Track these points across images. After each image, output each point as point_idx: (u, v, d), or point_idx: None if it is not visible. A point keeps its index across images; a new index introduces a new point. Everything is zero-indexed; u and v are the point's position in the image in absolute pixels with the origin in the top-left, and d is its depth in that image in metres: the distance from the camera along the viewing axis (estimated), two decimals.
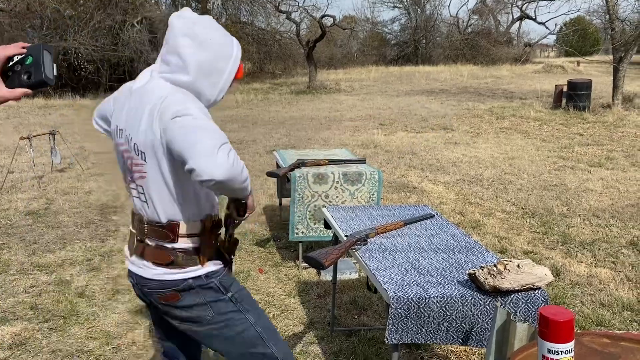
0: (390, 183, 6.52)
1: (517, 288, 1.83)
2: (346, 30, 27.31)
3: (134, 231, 1.75)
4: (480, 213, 5.37)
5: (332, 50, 30.37)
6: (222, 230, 1.76)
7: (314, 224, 3.85)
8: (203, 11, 26.11)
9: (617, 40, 13.11)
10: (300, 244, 4.03)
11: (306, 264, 4.06)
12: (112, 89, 20.51)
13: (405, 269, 2.05)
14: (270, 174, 4.14)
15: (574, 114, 12.08)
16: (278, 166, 4.51)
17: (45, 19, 19.79)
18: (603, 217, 5.22)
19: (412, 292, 1.84)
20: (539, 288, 1.89)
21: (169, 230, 1.63)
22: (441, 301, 1.82)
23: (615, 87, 12.99)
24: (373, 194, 3.87)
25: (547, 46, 50.99)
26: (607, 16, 13.78)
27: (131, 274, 1.75)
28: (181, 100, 1.54)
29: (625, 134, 9.79)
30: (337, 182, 3.79)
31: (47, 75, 1.18)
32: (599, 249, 4.43)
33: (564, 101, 13.06)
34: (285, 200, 4.89)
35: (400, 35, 37.18)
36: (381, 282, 1.91)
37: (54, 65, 1.21)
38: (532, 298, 1.87)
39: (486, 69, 27.80)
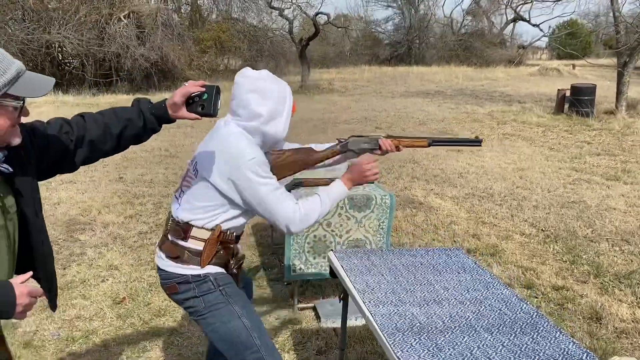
0: None
1: None
2: (339, 29, 26.68)
3: (164, 227, 2.06)
4: (496, 236, 4.78)
5: (324, 49, 29.71)
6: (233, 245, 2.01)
7: (314, 258, 3.23)
8: (193, 7, 25.38)
9: (622, 44, 12.60)
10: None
11: (303, 305, 3.43)
12: (97, 85, 19.78)
13: None
14: None
15: (578, 120, 11.56)
16: None
17: (27, 11, 18.94)
18: (634, 243, 4.65)
19: None
20: None
21: (184, 230, 1.94)
22: None
23: (619, 92, 12.45)
24: (383, 222, 3.25)
25: (538, 48, 50.77)
26: (612, 18, 13.26)
27: (157, 266, 2.03)
28: (246, 150, 1.87)
29: (635, 144, 9.25)
30: (342, 207, 3.17)
31: (215, 110, 1.67)
32: (638, 284, 3.85)
33: (566, 106, 12.55)
34: None
35: (393, 35, 36.59)
36: None
37: (220, 102, 1.68)
38: None
39: (480, 71, 27.32)
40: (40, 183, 1.41)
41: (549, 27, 41.65)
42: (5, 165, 1.33)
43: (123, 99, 16.43)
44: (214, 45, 22.51)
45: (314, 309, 3.35)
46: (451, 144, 2.36)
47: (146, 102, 1.68)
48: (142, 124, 1.65)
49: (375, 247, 3.26)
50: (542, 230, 4.96)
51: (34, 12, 18.80)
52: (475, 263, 2.18)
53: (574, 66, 27.39)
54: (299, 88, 18.75)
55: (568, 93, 12.54)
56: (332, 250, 2.50)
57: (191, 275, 1.91)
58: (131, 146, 1.72)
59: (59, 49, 19.29)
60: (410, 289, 1.91)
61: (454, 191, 6.16)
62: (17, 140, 1.34)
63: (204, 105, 1.66)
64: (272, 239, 4.44)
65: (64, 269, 3.95)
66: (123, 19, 19.72)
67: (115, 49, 18.89)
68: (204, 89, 1.65)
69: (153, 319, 3.22)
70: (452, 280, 2.01)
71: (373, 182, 2.03)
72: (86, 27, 19.58)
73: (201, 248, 1.91)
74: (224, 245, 1.95)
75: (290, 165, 2.06)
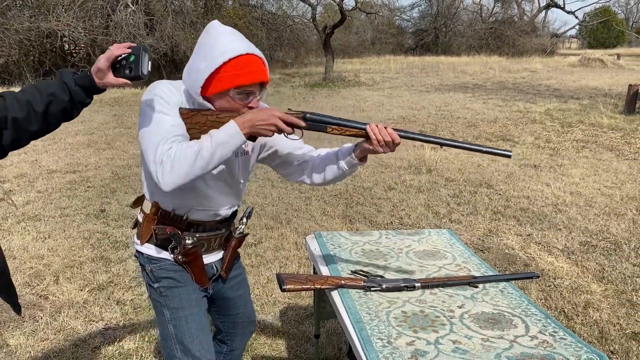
0: (476, 247, 4.17)
1: None
2: (364, 16, 24.82)
3: None
4: None
5: (347, 37, 27.84)
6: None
7: None
8: None
9: None
10: None
11: None
12: None
13: None
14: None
15: None
16: (315, 272, 2.17)
17: None
18: None
19: None
20: None
21: (140, 197, 1.77)
22: None
23: None
24: None
25: (568, 37, 48.36)
26: None
27: None
28: (152, 88, 1.59)
29: None
30: None
31: (143, 72, 1.46)
32: None
33: (638, 104, 10.73)
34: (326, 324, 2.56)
35: (419, 23, 34.58)
36: None
37: (149, 63, 1.49)
38: None
39: (515, 61, 25.34)
40: None
41: (584, 14, 39.23)
42: None
43: (129, 93, 14.80)
44: None
45: None
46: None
47: (69, 73, 1.46)
48: (69, 98, 1.46)
49: None
50: None
51: None
52: None
53: (618, 56, 25.18)
54: (322, 80, 16.99)
55: None
56: None
57: (137, 251, 1.74)
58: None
59: (65, 38, 17.63)
60: None
61: (562, 237, 4.38)
62: None
63: (132, 68, 1.47)
64: (318, 356, 2.72)
65: None
66: (130, 5, 18.04)
67: (122, 39, 17.20)
68: (129, 51, 1.47)
69: None
70: None
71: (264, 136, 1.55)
72: (89, 14, 17.98)
73: (140, 221, 1.73)
74: (166, 225, 1.67)
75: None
